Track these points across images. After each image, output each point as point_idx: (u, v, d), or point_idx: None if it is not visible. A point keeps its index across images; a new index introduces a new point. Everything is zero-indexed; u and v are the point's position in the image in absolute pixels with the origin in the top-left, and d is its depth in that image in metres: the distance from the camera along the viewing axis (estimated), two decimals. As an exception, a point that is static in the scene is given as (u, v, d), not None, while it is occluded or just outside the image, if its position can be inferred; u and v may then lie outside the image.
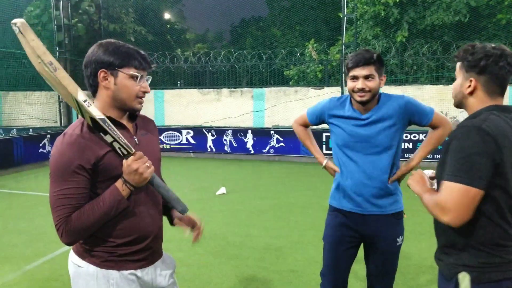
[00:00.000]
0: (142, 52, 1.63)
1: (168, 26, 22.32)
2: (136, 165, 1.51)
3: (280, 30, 17.05)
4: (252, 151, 11.25)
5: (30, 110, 13.15)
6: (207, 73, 13.17)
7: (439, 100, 10.58)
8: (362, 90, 2.17)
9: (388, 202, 2.31)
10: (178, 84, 14.29)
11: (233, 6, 20.77)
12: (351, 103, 2.33)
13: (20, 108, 13.43)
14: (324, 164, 2.54)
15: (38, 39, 1.37)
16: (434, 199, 1.53)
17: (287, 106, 11.41)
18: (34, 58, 1.38)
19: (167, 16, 22.99)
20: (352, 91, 2.22)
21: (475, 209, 1.46)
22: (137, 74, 1.58)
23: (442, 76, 11.45)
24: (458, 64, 1.66)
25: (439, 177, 1.62)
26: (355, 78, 2.19)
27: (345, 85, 9.76)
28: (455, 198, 1.45)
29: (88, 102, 1.49)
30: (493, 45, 1.60)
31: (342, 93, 11.11)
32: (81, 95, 1.47)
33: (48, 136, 10.46)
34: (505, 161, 1.45)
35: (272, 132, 11.09)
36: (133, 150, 1.54)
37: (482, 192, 1.44)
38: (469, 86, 1.62)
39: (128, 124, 1.69)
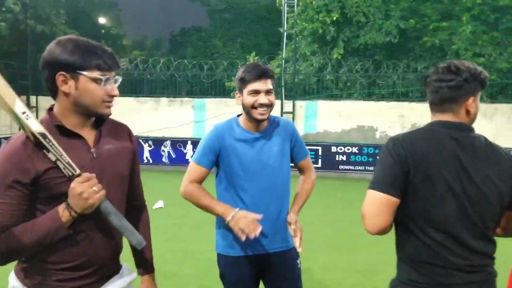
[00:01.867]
0: (108, 49, 1.42)
1: (103, 31, 21.48)
2: (81, 188, 1.30)
3: (221, 41, 17.09)
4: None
5: None
6: (145, 81, 12.80)
7: (371, 114, 11.15)
8: (264, 105, 2.02)
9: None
10: (114, 92, 13.72)
11: (173, 14, 20.52)
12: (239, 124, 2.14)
13: None
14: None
15: None
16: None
17: (228, 117, 11.35)
18: None
19: (102, 20, 22.12)
20: (252, 106, 2.03)
21: (389, 216, 1.47)
22: (101, 77, 1.37)
23: (374, 93, 12.08)
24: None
25: None
26: (256, 92, 2.01)
27: (285, 99, 9.80)
28: (368, 204, 1.49)
29: (27, 114, 1.29)
30: (455, 62, 1.57)
31: (282, 105, 11.31)
32: (19, 106, 1.28)
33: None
34: (416, 172, 1.46)
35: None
36: (77, 171, 1.33)
37: (393, 199, 1.45)
38: None
39: (91, 132, 1.47)
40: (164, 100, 11.94)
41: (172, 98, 11.97)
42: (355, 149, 10.53)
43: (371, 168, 10.45)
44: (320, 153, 10.66)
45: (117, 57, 1.45)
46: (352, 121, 11.27)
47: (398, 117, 10.97)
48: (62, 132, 1.39)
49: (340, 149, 10.61)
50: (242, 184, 2.08)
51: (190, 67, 12.52)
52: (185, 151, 11.12)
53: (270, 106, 2.04)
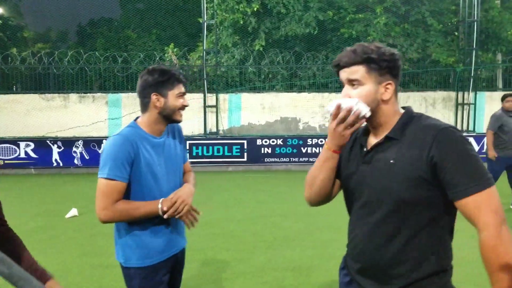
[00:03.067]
0: None
1: (0, 22, 19.23)
2: None
3: (136, 33, 16.09)
4: (108, 163, 10.20)
5: None
6: (51, 76, 11.56)
7: (293, 106, 11.16)
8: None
9: None
10: (14, 89, 12.30)
11: (80, 5, 18.92)
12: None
13: None
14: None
15: None
16: None
17: (147, 113, 10.67)
18: None
19: (-3, 9, 19.83)
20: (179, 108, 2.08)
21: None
22: None
23: (295, 85, 12.12)
24: (361, 69, 1.42)
25: None
26: (183, 94, 2.12)
27: (207, 92, 9.45)
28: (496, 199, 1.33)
29: None
30: (378, 44, 1.45)
31: (205, 99, 10.86)
32: None
33: None
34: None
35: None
36: None
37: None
38: (387, 91, 1.44)
39: None
40: (73, 96, 10.87)
41: (82, 94, 10.94)
42: (279, 141, 10.45)
43: (296, 159, 10.45)
44: (245, 146, 10.42)
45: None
46: (275, 113, 11.19)
47: (319, 108, 11.10)
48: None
49: (265, 141, 10.48)
50: (154, 190, 2.00)
51: (102, 60, 11.52)
52: (100, 152, 10.21)
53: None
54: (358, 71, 1.43)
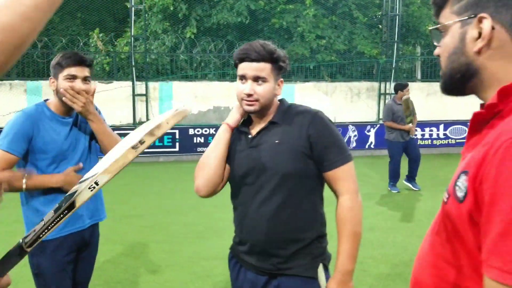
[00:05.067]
0: None
1: None
2: None
3: (58, 16, 15.08)
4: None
5: None
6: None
7: (225, 96, 11.15)
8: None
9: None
10: None
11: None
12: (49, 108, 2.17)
13: None
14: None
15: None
16: None
17: (71, 102, 10.09)
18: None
19: None
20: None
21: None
22: None
23: (227, 74, 12.11)
24: (268, 66, 1.59)
25: None
26: (73, 78, 2.10)
27: (136, 80, 9.15)
28: None
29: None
30: (272, 44, 1.66)
31: (134, 87, 10.49)
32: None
33: None
34: None
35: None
36: None
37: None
38: (280, 87, 1.67)
39: None
40: (-13, 84, 10.00)
41: (-2, 81, 10.10)
42: (212, 131, 10.42)
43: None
44: (177, 136, 10.26)
45: None
46: (208, 102, 11.12)
47: (253, 97, 11.20)
48: None
49: (198, 131, 10.40)
50: (60, 166, 2.09)
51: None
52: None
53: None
54: (265, 69, 1.58)
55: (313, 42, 12.37)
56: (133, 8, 10.69)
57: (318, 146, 1.57)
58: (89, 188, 1.13)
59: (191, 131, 10.34)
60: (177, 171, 9.08)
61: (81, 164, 2.10)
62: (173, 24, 12.22)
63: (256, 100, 1.58)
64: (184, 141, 10.29)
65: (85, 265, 2.25)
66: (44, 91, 10.17)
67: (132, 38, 10.79)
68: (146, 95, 10.64)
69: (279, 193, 1.59)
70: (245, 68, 1.58)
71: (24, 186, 1.95)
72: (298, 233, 1.61)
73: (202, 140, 10.39)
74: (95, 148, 2.26)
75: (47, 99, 2.18)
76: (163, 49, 11.93)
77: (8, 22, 0.60)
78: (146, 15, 11.67)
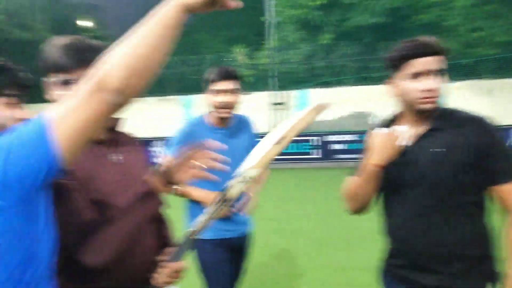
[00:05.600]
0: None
1: (89, 34, 20.97)
2: None
3: (209, 34, 16.65)
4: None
5: None
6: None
7: (365, 100, 10.73)
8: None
9: None
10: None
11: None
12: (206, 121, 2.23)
13: None
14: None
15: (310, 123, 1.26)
16: None
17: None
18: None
19: (85, 23, 21.66)
20: (220, 107, 2.13)
21: None
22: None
23: (367, 77, 11.66)
24: (441, 60, 1.45)
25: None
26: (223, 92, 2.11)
27: (274, 89, 9.30)
28: None
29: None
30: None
31: (272, 96, 10.84)
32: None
33: None
34: None
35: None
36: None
37: None
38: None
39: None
40: (152, 99, 11.48)
41: (161, 97, 11.54)
42: (351, 137, 10.13)
43: (370, 155, 10.05)
44: (315, 143, 10.24)
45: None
46: (347, 108, 10.86)
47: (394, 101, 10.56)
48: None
49: (336, 137, 10.21)
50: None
51: (177, 64, 12.04)
52: (175, 152, 10.70)
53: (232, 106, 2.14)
54: (441, 62, 1.44)
55: (466, 35, 11.11)
56: (268, 22, 11.11)
57: (489, 158, 1.41)
58: (240, 182, 1.23)
59: (330, 138, 10.21)
60: (317, 178, 9.03)
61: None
62: (309, 32, 12.32)
63: (436, 97, 1.45)
64: (323, 147, 10.21)
65: (236, 268, 2.36)
66: (195, 104, 11.23)
67: (269, 50, 11.21)
68: (284, 103, 10.90)
69: (442, 205, 1.45)
70: (423, 63, 1.43)
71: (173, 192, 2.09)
72: (463, 249, 1.46)
73: (341, 146, 10.17)
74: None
75: (210, 111, 2.23)
76: (300, 57, 12.10)
77: (142, 54, 0.84)
78: (282, 27, 12.01)
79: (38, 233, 0.87)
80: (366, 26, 11.94)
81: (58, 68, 1.14)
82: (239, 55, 12.14)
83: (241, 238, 2.30)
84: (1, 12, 13.27)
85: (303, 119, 1.25)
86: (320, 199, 7.01)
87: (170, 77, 12.69)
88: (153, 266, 1.28)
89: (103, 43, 1.22)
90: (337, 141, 10.20)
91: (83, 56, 1.14)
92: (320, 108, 1.29)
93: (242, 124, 2.28)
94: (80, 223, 1.11)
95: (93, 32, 21.38)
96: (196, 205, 2.17)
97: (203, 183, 2.01)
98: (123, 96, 0.84)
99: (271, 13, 11.40)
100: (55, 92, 1.15)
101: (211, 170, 1.98)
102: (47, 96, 1.21)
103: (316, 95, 10.97)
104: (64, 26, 18.31)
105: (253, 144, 2.17)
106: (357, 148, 10.12)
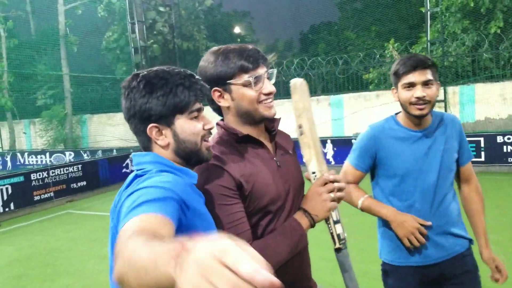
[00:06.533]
0: (248, 46, 1.33)
1: (239, 40, 22.55)
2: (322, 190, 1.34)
3: (354, 32, 16.32)
4: (333, 162, 10.63)
5: (114, 131, 13.74)
6: (281, 84, 12.83)
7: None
8: (422, 99, 1.78)
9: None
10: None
11: (302, 13, 20.38)
12: (398, 121, 1.94)
13: (104, 130, 14.10)
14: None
15: (302, 100, 1.38)
16: None
17: (369, 112, 10.65)
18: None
19: (237, 30, 23.32)
20: (409, 102, 1.81)
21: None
22: (249, 78, 1.30)
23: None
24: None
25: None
26: (411, 85, 1.79)
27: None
28: None
29: (315, 174, 1.36)
30: None
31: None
32: (312, 166, 1.36)
33: (131, 156, 10.73)
34: None
35: (353, 141, 10.41)
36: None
37: None
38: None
39: (266, 141, 1.41)
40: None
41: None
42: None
43: (551, 159, 8.61)
44: (482, 144, 9.18)
45: (260, 51, 1.32)
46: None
47: None
48: (246, 141, 1.34)
49: (508, 138, 8.98)
50: (403, 187, 1.88)
51: (324, 64, 12.11)
52: (325, 151, 10.75)
53: (429, 100, 1.80)
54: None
55: None
56: (428, 12, 10.35)
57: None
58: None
59: (499, 139, 9.05)
60: (484, 183, 8.10)
61: (429, 222, 1.81)
62: (474, 21, 11.10)
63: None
64: (492, 150, 9.09)
65: None
66: (345, 104, 11.14)
67: (428, 43, 10.45)
68: (444, 101, 10.05)
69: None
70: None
71: (359, 206, 1.92)
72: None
73: (512, 148, 8.94)
74: (452, 167, 1.91)
75: (399, 112, 1.96)
76: (463, 49, 10.99)
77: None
78: (443, 17, 11.06)
79: None
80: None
81: (244, 70, 1.27)
82: (392, 50, 11.60)
83: (440, 264, 1.88)
84: (164, 25, 15.05)
85: (302, 106, 1.37)
86: (488, 209, 6.27)
87: (316, 77, 12.83)
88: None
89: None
90: (508, 142, 8.98)
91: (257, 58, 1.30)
92: (295, 87, 1.38)
93: (445, 124, 1.91)
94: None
95: (244, 37, 22.89)
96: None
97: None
98: None
99: (432, 3, 10.60)
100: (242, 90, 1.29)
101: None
102: (212, 105, 1.37)
103: (482, 90, 9.83)
104: (219, 33, 20.01)
105: (460, 147, 1.94)
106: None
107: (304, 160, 1.38)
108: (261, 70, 1.29)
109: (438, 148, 1.87)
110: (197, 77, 1.16)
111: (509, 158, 8.90)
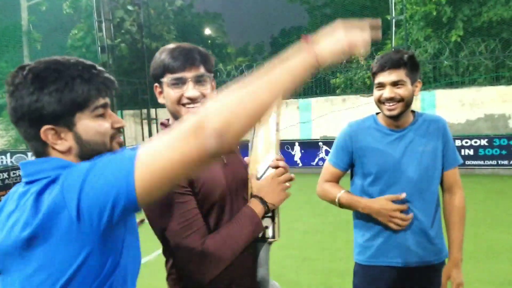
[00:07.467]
0: (174, 46, 1.32)
1: (209, 42, 22.49)
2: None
3: (323, 37, 16.66)
4: (300, 164, 10.79)
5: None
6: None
7: (501, 102, 9.71)
8: (391, 99, 1.76)
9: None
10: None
11: (272, 17, 20.64)
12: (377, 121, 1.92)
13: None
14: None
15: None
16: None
17: (336, 116, 10.88)
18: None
19: (207, 31, 23.24)
20: (379, 101, 1.81)
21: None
22: (173, 80, 1.30)
23: (502, 76, 10.53)
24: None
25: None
26: (380, 85, 1.78)
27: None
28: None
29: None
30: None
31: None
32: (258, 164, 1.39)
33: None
34: None
35: (320, 143, 10.59)
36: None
37: None
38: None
39: None
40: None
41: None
42: (484, 142, 9.24)
43: (505, 162, 9.07)
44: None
45: (198, 53, 1.28)
46: (478, 110, 9.94)
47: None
48: None
49: (466, 142, 9.40)
50: (380, 187, 1.84)
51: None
52: (293, 153, 10.90)
53: (399, 100, 1.77)
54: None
55: None
56: (393, 20, 10.70)
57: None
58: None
59: (458, 142, 9.46)
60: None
61: (403, 195, 1.77)
62: (436, 30, 11.56)
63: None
64: (450, 153, 9.49)
65: None
66: (313, 108, 11.32)
67: (393, 49, 10.79)
68: (407, 105, 10.38)
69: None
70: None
71: (337, 202, 1.91)
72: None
73: (471, 152, 9.35)
74: (434, 169, 1.85)
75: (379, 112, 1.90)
76: (425, 57, 11.42)
77: (250, 101, 0.82)
78: (407, 25, 11.46)
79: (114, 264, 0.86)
80: (500, 21, 10.80)
81: (168, 70, 1.27)
82: (358, 56, 11.88)
83: (412, 270, 1.87)
84: (132, 23, 14.83)
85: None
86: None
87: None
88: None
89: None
90: (466, 146, 9.40)
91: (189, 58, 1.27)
92: None
93: (428, 125, 1.86)
94: None
95: (215, 39, 22.83)
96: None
97: None
98: (221, 141, 0.76)
99: (397, 11, 10.96)
100: (168, 91, 1.28)
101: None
102: (159, 101, 1.36)
103: (442, 96, 10.26)
104: (189, 34, 19.88)
105: (443, 150, 1.85)
106: (490, 154, 9.22)
107: (246, 159, 1.44)
108: (188, 73, 1.26)
109: (416, 149, 1.82)
110: (99, 68, 0.98)
111: (466, 161, 9.31)
